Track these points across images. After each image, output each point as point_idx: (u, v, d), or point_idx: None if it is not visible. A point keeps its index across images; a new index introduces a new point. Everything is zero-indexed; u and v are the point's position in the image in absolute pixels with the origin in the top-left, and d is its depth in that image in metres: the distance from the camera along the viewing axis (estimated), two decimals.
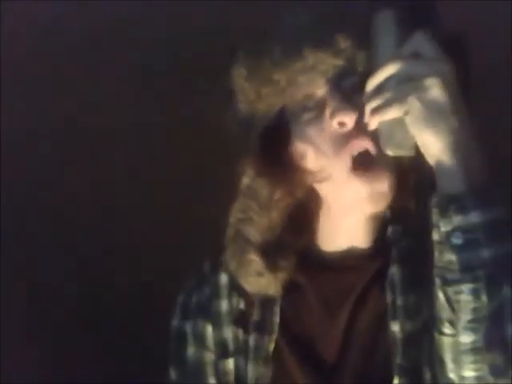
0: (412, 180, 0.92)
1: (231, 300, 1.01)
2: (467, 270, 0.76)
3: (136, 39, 1.51)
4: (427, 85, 0.77)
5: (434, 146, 0.78)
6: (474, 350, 0.77)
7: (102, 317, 1.52)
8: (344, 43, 0.87)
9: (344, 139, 0.88)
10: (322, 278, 0.96)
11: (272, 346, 0.96)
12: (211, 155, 1.40)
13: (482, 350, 0.77)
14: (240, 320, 0.99)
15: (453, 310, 0.78)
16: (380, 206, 0.90)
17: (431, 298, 0.82)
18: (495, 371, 0.77)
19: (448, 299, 0.78)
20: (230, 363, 0.99)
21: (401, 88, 0.79)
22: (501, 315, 0.76)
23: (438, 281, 0.80)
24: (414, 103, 0.78)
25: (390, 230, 0.95)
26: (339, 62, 0.88)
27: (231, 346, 1.00)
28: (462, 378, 0.79)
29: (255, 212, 0.95)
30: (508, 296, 0.76)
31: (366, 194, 0.88)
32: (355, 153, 0.88)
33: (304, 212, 0.96)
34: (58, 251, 1.55)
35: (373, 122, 0.83)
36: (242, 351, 0.98)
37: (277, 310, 0.97)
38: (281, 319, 0.97)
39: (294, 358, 0.95)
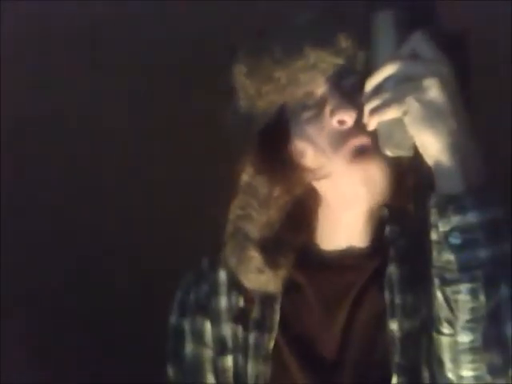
0: (410, 180, 0.93)
1: (230, 297, 1.02)
2: (465, 270, 0.77)
3: (136, 39, 1.51)
4: (426, 85, 0.77)
5: (433, 146, 0.78)
6: (473, 349, 0.78)
7: (102, 317, 1.52)
8: (345, 42, 0.88)
9: (343, 137, 0.88)
10: (321, 278, 0.96)
11: (272, 344, 0.96)
12: (211, 155, 1.40)
13: (480, 349, 0.77)
14: (240, 317, 0.99)
15: (451, 309, 0.78)
16: (376, 195, 0.90)
17: (429, 298, 0.83)
18: (493, 371, 0.77)
19: (446, 299, 0.78)
20: (229, 360, 1.00)
21: (399, 88, 0.79)
22: (499, 315, 0.76)
23: (436, 281, 0.80)
24: (412, 103, 0.78)
25: (387, 229, 0.95)
26: (340, 61, 0.88)
27: (230, 343, 1.00)
28: (460, 377, 0.80)
29: (254, 209, 0.96)
30: (506, 296, 0.76)
31: (361, 181, 0.88)
32: (353, 149, 0.88)
33: (303, 210, 0.97)
34: (58, 251, 1.55)
35: (372, 123, 0.83)
36: (241, 348, 0.98)
37: (277, 307, 0.97)
38: (280, 317, 0.97)
39: (293, 356, 0.95)
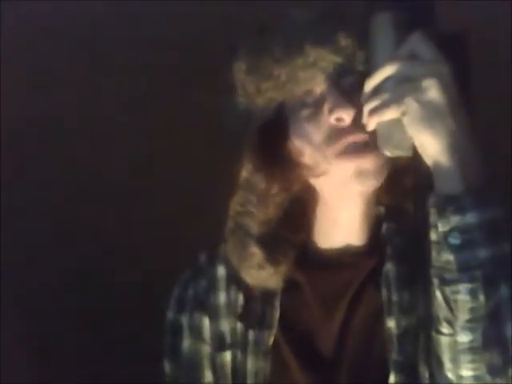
0: (408, 180, 0.93)
1: (229, 293, 1.02)
2: (465, 270, 0.77)
3: (136, 39, 1.51)
4: (424, 86, 0.78)
5: (432, 146, 0.78)
6: (472, 349, 0.78)
7: (102, 317, 1.52)
8: (345, 41, 0.88)
9: (339, 134, 0.89)
10: (319, 276, 0.97)
11: (271, 341, 0.97)
12: (211, 155, 1.40)
13: (480, 349, 0.77)
14: (242, 315, 1.00)
15: (450, 309, 0.78)
16: (369, 183, 0.90)
17: (427, 297, 0.83)
18: (493, 370, 0.77)
19: (446, 299, 0.79)
20: (227, 356, 1.00)
21: (398, 89, 0.79)
22: (498, 315, 0.76)
23: (435, 281, 0.80)
24: (411, 104, 0.78)
25: (384, 227, 0.96)
26: (339, 60, 0.89)
27: (228, 339, 1.00)
28: (459, 377, 0.80)
29: (253, 205, 0.96)
30: (505, 296, 0.76)
31: (355, 176, 0.88)
32: (346, 144, 0.89)
33: (301, 208, 0.97)
34: (58, 251, 1.55)
35: (371, 123, 0.83)
36: (240, 344, 0.99)
37: (277, 304, 0.98)
38: (280, 314, 0.98)
39: (292, 353, 0.96)
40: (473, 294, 0.76)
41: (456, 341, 0.79)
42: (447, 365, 0.81)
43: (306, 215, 0.98)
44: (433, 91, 0.77)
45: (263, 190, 0.95)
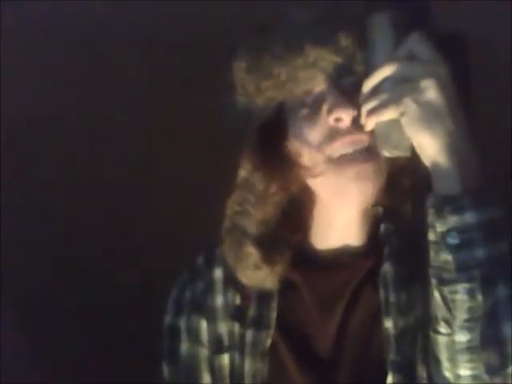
0: (406, 180, 0.93)
1: (227, 295, 1.02)
2: (463, 270, 0.77)
3: (136, 39, 1.51)
4: (423, 86, 0.78)
5: (430, 147, 0.78)
6: (470, 348, 0.78)
7: (102, 317, 1.52)
8: (345, 41, 0.88)
9: (338, 134, 0.89)
10: (316, 276, 0.97)
11: (269, 342, 0.96)
12: (211, 155, 1.40)
13: (478, 348, 0.77)
14: (237, 315, 1.00)
15: (448, 309, 0.78)
16: (367, 186, 0.90)
17: (425, 297, 0.83)
18: (491, 370, 0.77)
19: (444, 299, 0.79)
20: (225, 358, 1.00)
21: (396, 89, 0.79)
22: (496, 314, 0.76)
23: (433, 280, 0.80)
24: (409, 104, 0.78)
25: (382, 227, 0.96)
26: (339, 60, 0.89)
27: (226, 341, 1.00)
28: (457, 376, 0.80)
29: (251, 205, 0.96)
30: (503, 295, 0.76)
31: (353, 179, 0.88)
32: (343, 152, 0.89)
33: (298, 208, 0.97)
34: (58, 251, 1.55)
35: (369, 123, 0.83)
36: (237, 346, 0.99)
37: (274, 305, 0.98)
38: (277, 315, 0.97)
39: (290, 354, 0.96)
40: (471, 293, 0.76)
41: (454, 340, 0.79)
42: (445, 364, 0.81)
43: (304, 215, 0.98)
44: (431, 91, 0.77)
45: (261, 189, 0.95)
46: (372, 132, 0.85)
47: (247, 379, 0.96)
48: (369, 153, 0.88)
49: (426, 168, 0.80)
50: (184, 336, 1.03)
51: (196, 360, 1.02)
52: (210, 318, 1.02)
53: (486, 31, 1.25)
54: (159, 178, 1.54)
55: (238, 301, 1.00)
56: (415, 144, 0.80)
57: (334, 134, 0.89)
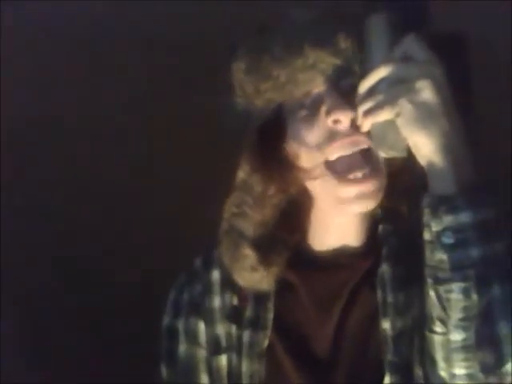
0: (403, 181, 0.93)
1: (224, 296, 1.02)
2: (458, 269, 0.77)
3: (136, 39, 1.51)
4: (418, 87, 0.78)
5: (426, 147, 0.79)
6: (465, 347, 0.78)
7: (102, 317, 1.52)
8: (344, 43, 0.88)
9: (336, 135, 0.89)
10: (314, 277, 0.97)
11: (266, 343, 0.96)
12: (211, 155, 1.40)
13: (473, 347, 0.78)
14: (233, 316, 1.00)
15: (444, 308, 0.79)
16: (369, 205, 0.90)
17: (421, 296, 0.83)
18: (486, 369, 0.78)
19: (439, 298, 0.79)
20: (223, 359, 1.00)
21: (392, 90, 0.80)
22: (491, 313, 0.77)
23: (429, 280, 0.80)
24: (405, 105, 0.78)
25: (380, 228, 0.96)
26: (339, 62, 0.88)
27: (224, 343, 1.00)
28: (452, 375, 0.80)
29: (249, 206, 0.96)
30: (497, 294, 0.77)
31: (354, 194, 0.89)
32: (341, 153, 0.89)
33: (296, 210, 0.97)
34: (58, 251, 1.55)
35: (365, 124, 0.83)
36: (235, 347, 0.99)
37: (270, 306, 0.98)
38: (274, 316, 0.98)
39: (287, 354, 0.96)
40: (466, 292, 0.77)
41: (449, 339, 0.79)
42: (440, 364, 0.81)
43: (301, 217, 0.98)
44: (426, 92, 0.78)
45: (259, 191, 0.95)
46: (368, 133, 0.85)
47: (245, 380, 0.97)
48: (368, 156, 0.88)
49: (421, 168, 0.81)
50: (182, 337, 1.03)
51: (194, 361, 1.02)
52: (208, 319, 1.02)
53: (485, 31, 1.25)
54: (159, 178, 1.54)
55: (235, 302, 1.01)
56: (411, 144, 0.81)
57: (332, 136, 0.89)
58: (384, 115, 0.80)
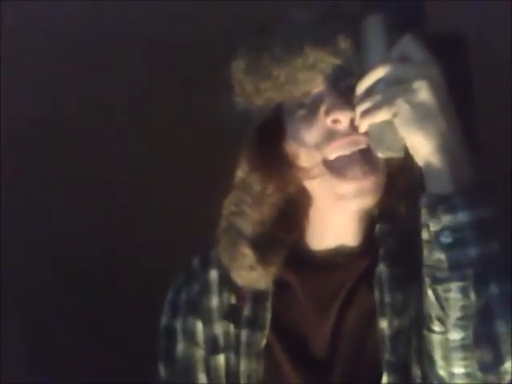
0: (401, 181, 0.94)
1: (222, 296, 1.02)
2: (456, 269, 0.77)
3: (136, 39, 1.51)
4: (415, 87, 0.78)
5: (423, 147, 0.79)
6: (463, 346, 0.78)
7: (102, 317, 1.52)
8: (344, 43, 0.88)
9: (335, 135, 0.89)
10: (311, 277, 0.97)
11: (264, 342, 0.97)
12: (211, 155, 1.40)
13: (471, 346, 0.78)
14: (231, 315, 1.00)
15: (442, 307, 0.79)
16: (367, 201, 0.91)
17: (419, 296, 0.84)
18: (484, 367, 0.78)
19: (437, 297, 0.79)
20: (221, 359, 1.00)
21: (389, 91, 0.80)
22: (489, 312, 0.77)
23: (427, 279, 0.81)
24: (402, 105, 0.78)
25: (377, 228, 0.96)
26: (338, 62, 0.89)
27: (222, 342, 1.00)
28: (451, 374, 0.80)
29: (248, 205, 0.96)
30: (495, 293, 0.77)
31: (352, 190, 0.89)
32: (340, 153, 0.89)
33: (294, 209, 0.97)
34: (58, 251, 1.55)
35: (363, 125, 0.84)
36: (233, 347, 0.99)
37: (268, 305, 0.98)
38: (272, 316, 0.98)
39: (285, 354, 0.96)
40: (464, 292, 0.77)
41: (447, 338, 0.79)
42: (439, 362, 0.81)
43: (299, 216, 0.98)
44: (423, 93, 0.78)
45: (258, 190, 0.95)
46: (366, 133, 0.85)
47: (242, 379, 0.97)
48: (367, 156, 0.89)
49: (418, 168, 0.81)
50: (180, 337, 1.03)
51: (192, 361, 1.02)
52: (206, 319, 1.02)
53: (485, 31, 1.25)
54: (159, 178, 1.54)
55: (233, 301, 1.01)
56: (408, 144, 0.81)
57: (331, 136, 0.89)
58: (381, 116, 0.81)
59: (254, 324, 0.98)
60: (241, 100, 0.95)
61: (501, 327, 0.77)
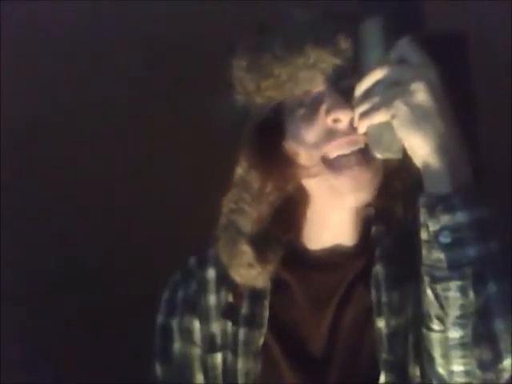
0: (398, 181, 0.94)
1: (219, 294, 1.02)
2: (455, 268, 0.78)
3: (136, 39, 1.51)
4: (413, 89, 0.79)
5: (421, 148, 0.80)
6: (463, 345, 0.79)
7: (102, 317, 1.52)
8: (344, 43, 0.89)
9: (335, 134, 0.89)
10: (309, 276, 0.97)
11: (261, 341, 0.97)
12: (211, 155, 1.40)
13: (470, 344, 0.79)
14: (229, 313, 1.00)
15: (441, 306, 0.80)
16: (363, 197, 0.91)
17: (417, 296, 0.84)
18: (483, 365, 0.79)
19: (436, 296, 0.80)
20: (218, 357, 1.00)
21: (388, 93, 0.81)
22: (487, 311, 0.78)
23: (426, 279, 0.81)
24: (400, 107, 0.79)
25: (373, 228, 0.97)
26: (339, 62, 0.89)
27: (219, 340, 1.01)
28: (450, 372, 0.81)
29: (247, 203, 0.97)
30: (494, 292, 0.78)
31: (349, 184, 0.89)
32: (340, 152, 0.89)
33: (291, 208, 0.98)
34: (58, 251, 1.55)
35: (362, 126, 0.84)
36: (230, 345, 0.99)
37: (266, 304, 0.98)
38: (269, 315, 0.98)
39: (282, 353, 0.96)
40: (463, 291, 0.78)
41: (447, 337, 0.80)
42: (438, 361, 0.82)
43: (297, 215, 0.99)
44: (421, 94, 0.79)
45: (257, 188, 0.96)
46: (364, 134, 0.85)
47: (240, 378, 0.97)
48: (365, 155, 0.89)
49: (417, 169, 0.81)
50: (176, 336, 1.04)
51: (189, 359, 1.02)
52: (203, 317, 1.02)
53: (485, 31, 1.25)
54: (159, 178, 1.54)
55: (230, 299, 1.01)
56: (407, 146, 0.82)
57: (331, 135, 0.89)
58: (380, 117, 0.81)
59: (252, 322, 0.98)
60: (241, 98, 0.95)
61: (499, 325, 0.78)
